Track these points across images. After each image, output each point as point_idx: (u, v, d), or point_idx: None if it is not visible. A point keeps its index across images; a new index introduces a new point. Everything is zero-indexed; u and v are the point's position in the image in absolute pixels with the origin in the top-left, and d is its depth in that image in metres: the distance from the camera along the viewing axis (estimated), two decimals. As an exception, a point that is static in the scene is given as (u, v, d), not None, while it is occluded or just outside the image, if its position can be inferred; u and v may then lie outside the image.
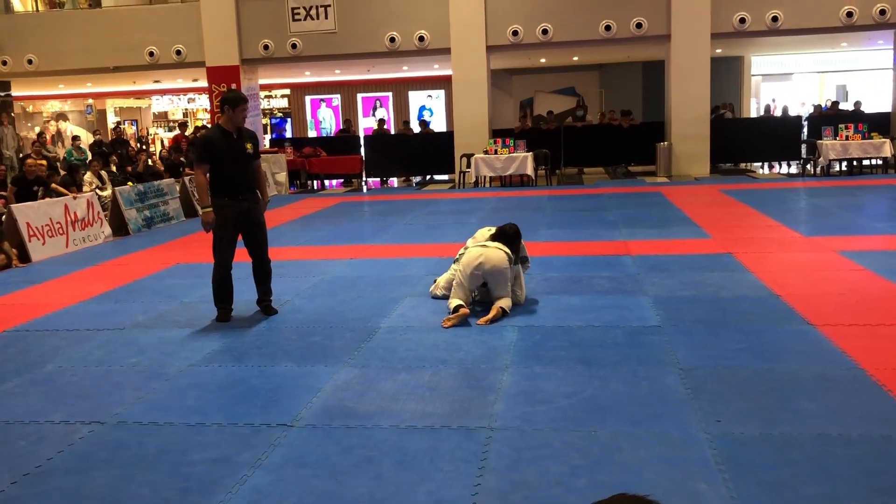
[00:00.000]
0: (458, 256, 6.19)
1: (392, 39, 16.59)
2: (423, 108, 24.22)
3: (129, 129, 25.77)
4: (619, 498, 1.11)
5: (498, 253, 5.81)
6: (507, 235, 6.04)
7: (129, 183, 12.41)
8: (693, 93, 15.93)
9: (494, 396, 4.22)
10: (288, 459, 3.54)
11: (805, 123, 17.56)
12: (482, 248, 5.88)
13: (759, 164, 18.02)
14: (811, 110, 19.49)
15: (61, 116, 25.91)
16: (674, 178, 15.88)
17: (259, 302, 6.21)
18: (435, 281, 6.57)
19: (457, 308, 5.67)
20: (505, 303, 5.77)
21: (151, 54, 17.41)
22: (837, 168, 15.89)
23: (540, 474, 3.30)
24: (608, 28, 15.90)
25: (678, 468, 3.32)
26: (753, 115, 21.02)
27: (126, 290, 7.39)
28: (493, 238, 6.06)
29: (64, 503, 3.19)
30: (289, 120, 25.48)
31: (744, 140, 17.00)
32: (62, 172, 13.32)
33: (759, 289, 6.31)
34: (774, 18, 15.53)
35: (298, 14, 16.91)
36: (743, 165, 17.91)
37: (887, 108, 17.21)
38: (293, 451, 3.62)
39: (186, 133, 19.53)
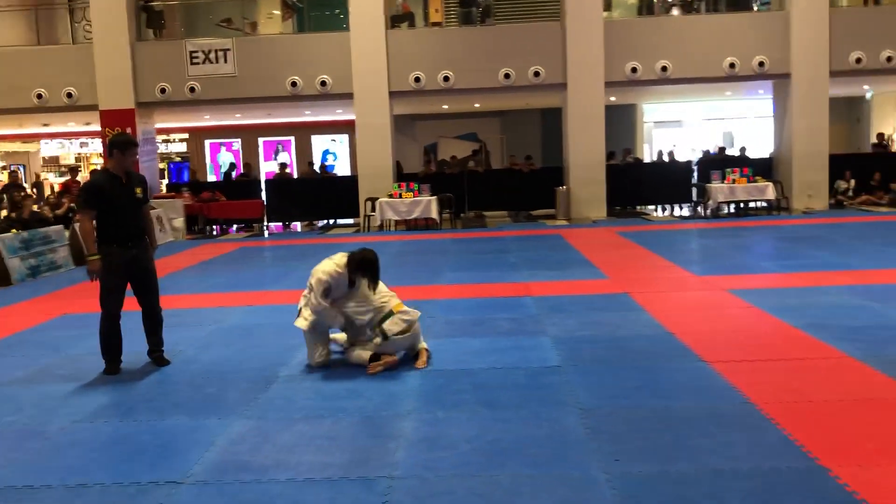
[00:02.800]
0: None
1: (293, 83, 16.52)
2: (326, 152, 24.13)
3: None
4: None
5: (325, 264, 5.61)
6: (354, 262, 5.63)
7: (13, 230, 11.77)
8: (589, 139, 16.46)
9: (396, 444, 4.13)
10: (176, 520, 3.35)
11: (695, 168, 18.39)
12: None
13: (653, 206, 18.72)
14: (700, 155, 20.44)
15: (-59, 160, 24.52)
16: (573, 220, 16.29)
17: (150, 353, 5.94)
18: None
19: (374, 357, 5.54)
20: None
21: (40, 96, 16.76)
22: (726, 210, 16.68)
23: (440, 523, 3.23)
24: (507, 76, 16.31)
25: (579, 510, 3.31)
26: (647, 160, 21.86)
27: (5, 343, 6.94)
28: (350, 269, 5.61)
29: (-80, 581, 2.91)
30: (188, 164, 24.88)
31: (638, 184, 17.64)
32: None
33: (655, 327, 6.47)
34: (664, 68, 16.31)
35: (197, 58, 16.64)
36: (638, 208, 18.56)
37: (769, 154, 18.23)
38: (182, 511, 3.43)
39: (78, 178, 18.77)
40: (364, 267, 5.63)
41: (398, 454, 3.98)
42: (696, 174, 18.14)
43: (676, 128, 24.68)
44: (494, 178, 18.37)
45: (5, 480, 3.82)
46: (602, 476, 3.63)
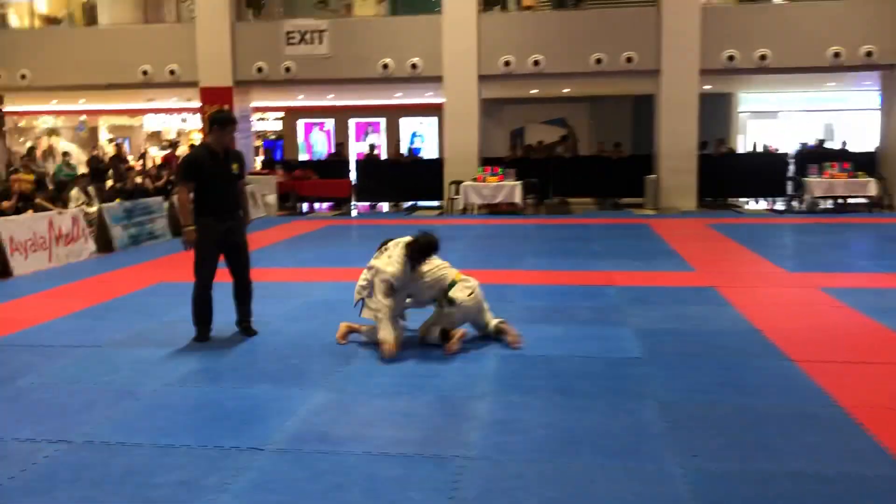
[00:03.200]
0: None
1: (385, 66, 16.68)
2: (414, 135, 24.30)
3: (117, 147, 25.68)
4: None
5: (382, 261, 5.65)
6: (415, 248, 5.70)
7: (118, 200, 12.35)
8: (681, 127, 16.05)
9: (470, 425, 4.17)
10: (255, 484, 3.48)
11: (792, 161, 17.70)
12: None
13: (746, 199, 18.13)
14: (799, 148, 19.67)
15: (53, 132, 25.84)
16: (661, 210, 15.95)
17: (239, 323, 6.15)
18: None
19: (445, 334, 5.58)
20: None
21: (145, 73, 17.44)
22: (822, 205, 16.01)
23: (511, 506, 3.25)
24: (599, 61, 16.04)
25: None
26: (741, 150, 21.17)
27: (106, 307, 7.31)
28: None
29: (23, 524, 3.12)
30: (281, 142, 25.51)
31: (731, 175, 17.11)
32: (50, 188, 13.27)
33: (741, 323, 6.30)
34: (763, 57, 15.72)
35: (293, 38, 16.99)
36: (730, 200, 18.01)
37: (873, 148, 17.36)
38: (261, 476, 3.56)
39: (177, 152, 19.51)
40: (429, 251, 5.71)
41: (472, 435, 4.02)
42: (792, 167, 17.46)
43: (772, 119, 23.79)
44: (581, 164, 18.15)
45: (101, 436, 4.05)
46: (678, 471, 3.57)
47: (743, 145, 22.39)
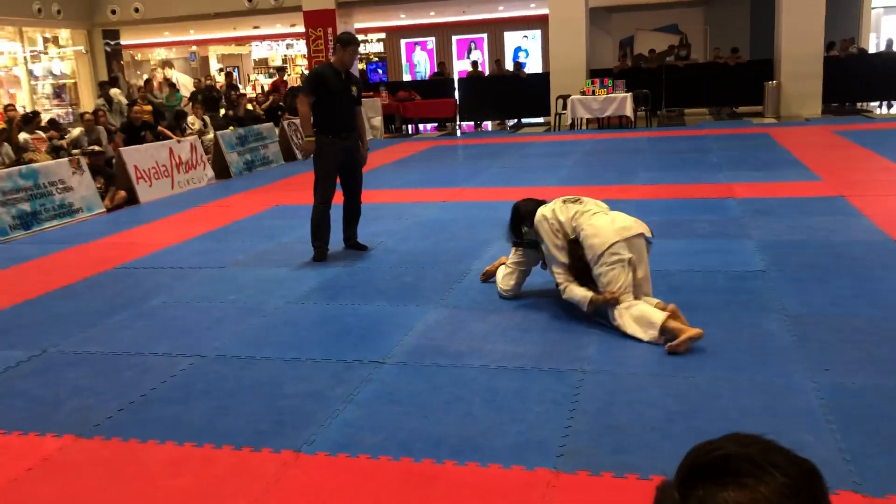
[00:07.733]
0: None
1: (487, -22, 16.21)
2: (518, 50, 23.71)
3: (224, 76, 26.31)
4: (732, 436, 1.03)
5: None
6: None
7: (231, 127, 12.70)
8: (805, 28, 14.93)
9: (588, 339, 4.12)
10: (379, 395, 3.57)
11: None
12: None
13: (877, 103, 16.86)
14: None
15: (167, 64, 26.68)
16: (783, 118, 15.06)
17: (347, 241, 6.33)
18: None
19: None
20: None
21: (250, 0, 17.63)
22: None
23: (634, 418, 3.21)
24: (715, -41, 15.03)
25: (782, 417, 3.16)
26: (873, 50, 19.59)
27: (227, 230, 7.60)
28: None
29: (165, 431, 3.32)
30: (384, 64, 25.45)
31: (860, 78, 15.89)
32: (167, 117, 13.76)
33: (875, 233, 5.92)
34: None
35: (393, -46, 16.71)
36: (859, 105, 16.80)
37: None
38: (384, 388, 3.65)
39: (284, 78, 19.79)
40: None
41: (590, 349, 3.98)
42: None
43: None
44: (696, 72, 17.25)
45: (231, 350, 4.24)
46: (809, 385, 3.43)
47: (875, 45, 20.70)
